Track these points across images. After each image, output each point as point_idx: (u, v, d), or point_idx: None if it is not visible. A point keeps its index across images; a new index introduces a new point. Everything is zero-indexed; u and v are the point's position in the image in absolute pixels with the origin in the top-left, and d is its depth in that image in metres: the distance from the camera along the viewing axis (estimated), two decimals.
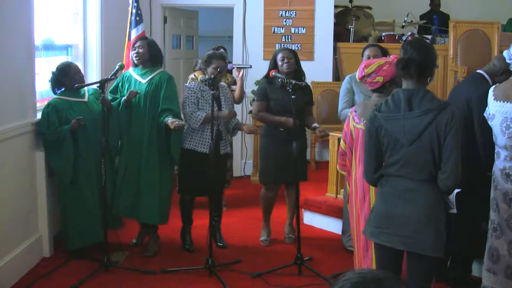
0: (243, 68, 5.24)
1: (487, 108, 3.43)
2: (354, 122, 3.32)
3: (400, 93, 2.71)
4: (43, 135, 4.18)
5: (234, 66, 5.29)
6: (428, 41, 6.76)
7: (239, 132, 6.78)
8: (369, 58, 4.37)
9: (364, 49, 4.55)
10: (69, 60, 5.23)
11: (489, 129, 3.46)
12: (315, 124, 4.58)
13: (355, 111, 3.35)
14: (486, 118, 3.43)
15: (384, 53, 4.40)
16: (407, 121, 2.64)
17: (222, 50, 5.59)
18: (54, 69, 4.32)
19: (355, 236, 3.40)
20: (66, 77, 4.26)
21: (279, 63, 4.51)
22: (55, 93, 4.34)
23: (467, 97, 3.69)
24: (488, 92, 3.49)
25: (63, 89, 4.30)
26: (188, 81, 5.32)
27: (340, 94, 4.58)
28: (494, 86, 3.46)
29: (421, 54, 2.68)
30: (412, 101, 2.65)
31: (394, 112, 2.68)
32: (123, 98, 4.37)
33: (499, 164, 3.36)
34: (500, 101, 3.32)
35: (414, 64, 2.65)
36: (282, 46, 6.81)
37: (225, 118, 4.46)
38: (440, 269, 3.83)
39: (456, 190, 2.72)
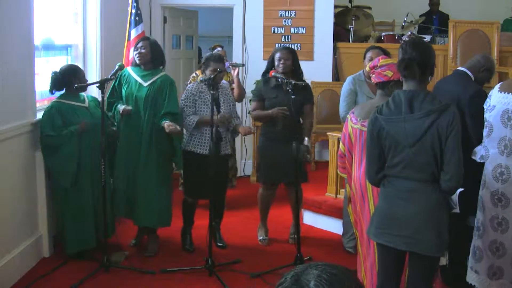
0: (236, 66, 5.23)
1: (487, 100, 3.42)
2: (352, 123, 3.32)
3: (401, 94, 2.71)
4: (48, 137, 4.12)
5: (229, 64, 5.26)
6: (427, 40, 6.77)
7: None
8: (371, 60, 4.36)
9: (367, 50, 4.52)
10: (69, 60, 5.24)
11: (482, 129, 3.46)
12: (306, 140, 4.47)
13: (353, 112, 3.36)
14: (485, 110, 3.42)
15: (386, 55, 4.40)
16: (408, 123, 2.64)
17: (219, 49, 5.58)
18: (58, 70, 4.26)
19: (357, 236, 3.42)
20: (76, 78, 4.23)
21: (276, 62, 4.49)
22: (52, 93, 4.31)
23: (458, 97, 3.68)
24: (478, 92, 3.52)
25: (63, 92, 4.27)
26: (189, 80, 5.33)
27: (342, 95, 4.53)
28: (501, 82, 3.48)
29: (421, 53, 2.69)
30: (413, 103, 2.66)
31: (395, 114, 2.68)
32: (119, 108, 4.35)
33: (493, 160, 3.35)
34: (504, 93, 3.32)
35: (416, 63, 2.66)
36: (282, 45, 6.85)
37: (219, 123, 4.38)
38: (439, 268, 3.84)
39: (459, 190, 2.72)
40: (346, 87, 4.51)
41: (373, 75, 3.30)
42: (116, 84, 4.46)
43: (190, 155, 4.44)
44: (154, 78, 4.38)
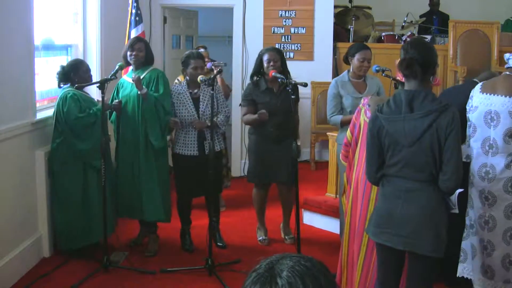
0: (219, 66, 5.20)
1: (469, 101, 3.44)
2: (366, 116, 3.28)
3: (401, 94, 2.71)
4: (79, 119, 4.15)
5: (212, 65, 5.22)
6: (427, 41, 6.76)
7: (239, 132, 6.81)
8: (363, 61, 4.33)
9: (355, 51, 4.37)
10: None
11: None
12: (298, 143, 4.40)
13: (368, 105, 3.31)
14: (467, 110, 3.44)
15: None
16: (408, 123, 2.64)
17: (202, 50, 5.57)
18: (64, 64, 4.34)
19: (348, 225, 3.40)
20: (76, 74, 4.28)
21: (265, 64, 4.45)
22: (60, 88, 4.35)
23: (464, 104, 3.69)
24: None
25: (68, 85, 4.30)
26: (174, 82, 5.31)
27: (328, 99, 4.47)
28: (482, 82, 3.49)
29: (422, 53, 2.69)
30: (414, 103, 2.66)
31: (395, 113, 2.68)
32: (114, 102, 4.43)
33: (478, 160, 3.37)
34: (486, 94, 3.34)
35: (417, 63, 2.66)
36: (282, 46, 6.84)
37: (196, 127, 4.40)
38: (438, 269, 3.84)
39: (458, 190, 2.72)
40: (330, 91, 4.45)
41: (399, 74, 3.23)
42: (114, 94, 4.53)
43: (177, 157, 4.50)
44: (143, 74, 4.43)
